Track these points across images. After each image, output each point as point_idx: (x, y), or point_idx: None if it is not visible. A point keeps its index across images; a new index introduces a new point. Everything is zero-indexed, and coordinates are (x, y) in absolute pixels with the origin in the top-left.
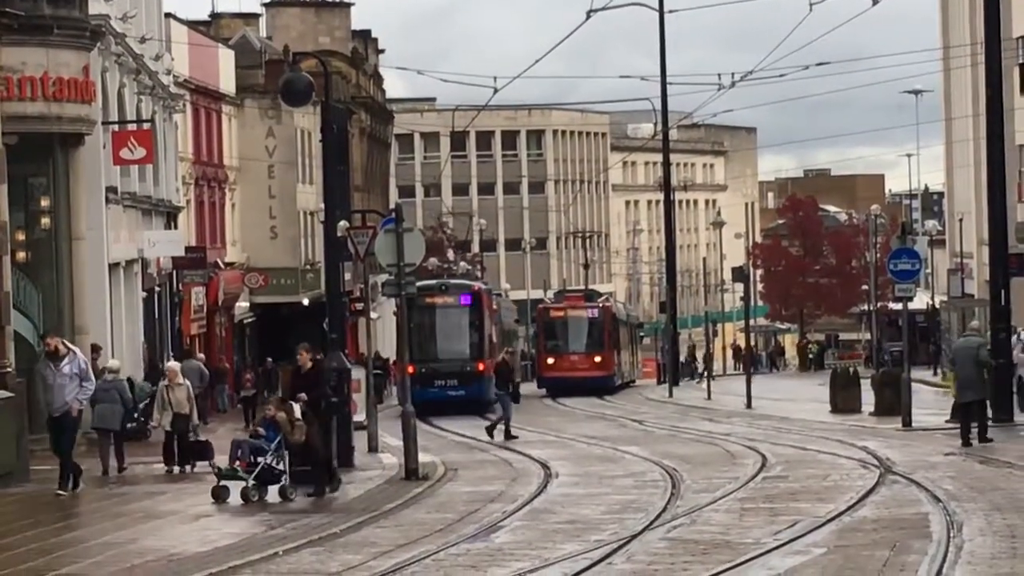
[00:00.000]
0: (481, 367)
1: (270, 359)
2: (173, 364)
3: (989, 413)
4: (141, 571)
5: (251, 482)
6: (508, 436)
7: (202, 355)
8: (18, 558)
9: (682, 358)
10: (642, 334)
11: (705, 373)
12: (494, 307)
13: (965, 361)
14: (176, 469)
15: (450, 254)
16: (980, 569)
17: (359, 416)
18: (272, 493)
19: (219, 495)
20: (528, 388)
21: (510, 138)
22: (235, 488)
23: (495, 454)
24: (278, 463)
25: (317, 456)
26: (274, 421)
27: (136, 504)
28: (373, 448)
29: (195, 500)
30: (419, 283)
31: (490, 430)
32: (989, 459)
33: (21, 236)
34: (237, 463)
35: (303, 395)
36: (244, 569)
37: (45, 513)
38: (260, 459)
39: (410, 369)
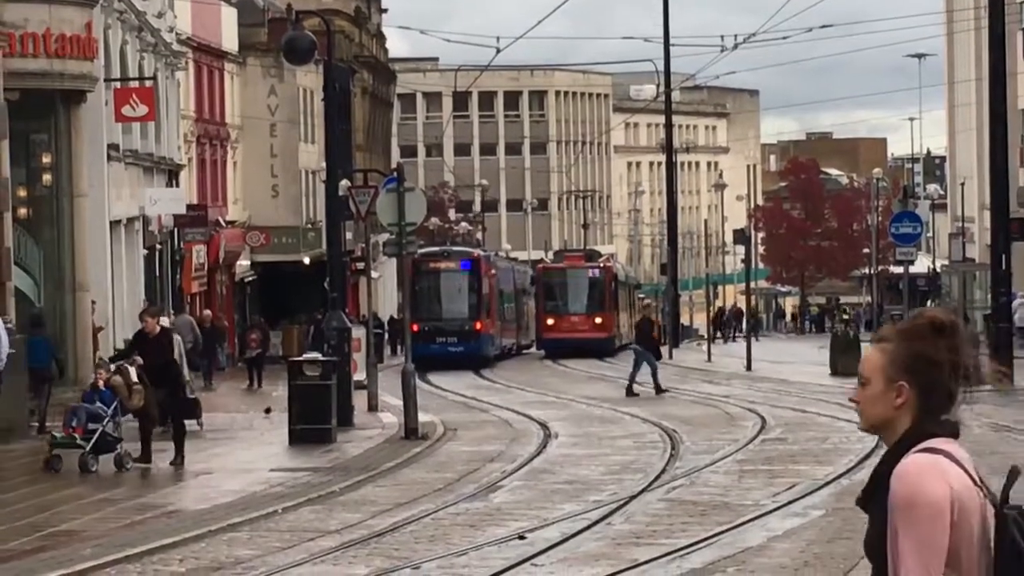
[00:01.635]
0: (479, 326)
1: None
2: (167, 320)
3: None
4: (140, 527)
5: (88, 450)
6: (659, 391)
7: (208, 312)
8: (18, 513)
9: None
10: (641, 295)
11: (718, 334)
12: (492, 272)
13: None
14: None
15: (451, 214)
16: None
17: (359, 375)
18: (106, 463)
19: (52, 464)
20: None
21: (512, 99)
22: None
23: (495, 414)
24: (115, 430)
25: (151, 423)
26: (108, 385)
27: (133, 463)
28: (373, 407)
29: (193, 458)
30: (424, 249)
31: (629, 389)
32: (988, 422)
33: (22, 192)
34: (72, 430)
35: (138, 358)
36: (243, 526)
37: (43, 477)
38: (96, 425)
39: (414, 327)
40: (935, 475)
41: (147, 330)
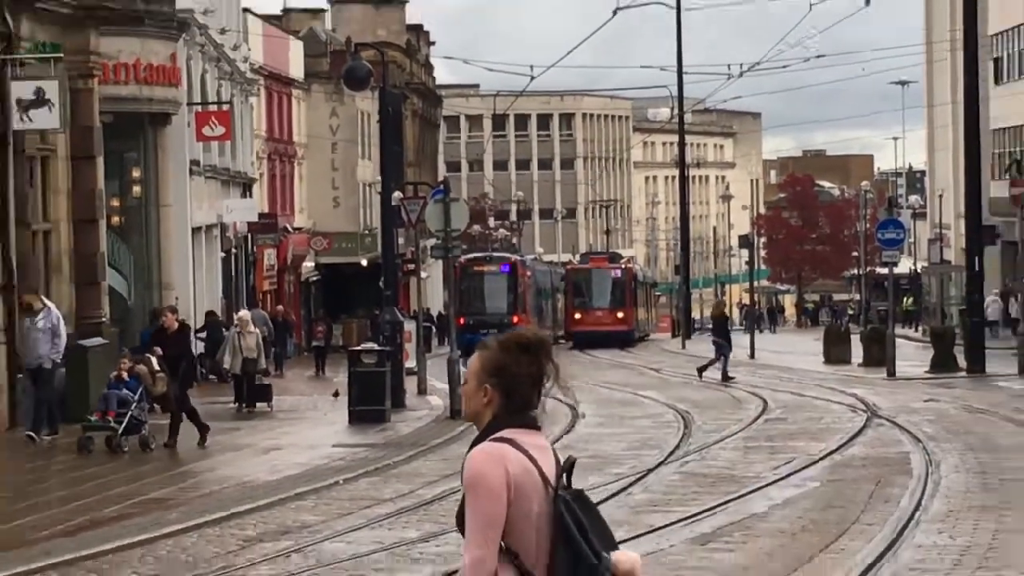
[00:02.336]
0: (516, 319)
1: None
2: (244, 313)
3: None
4: (218, 496)
5: (120, 432)
6: (725, 378)
7: (280, 307)
8: (111, 484)
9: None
10: (658, 293)
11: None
12: (528, 274)
13: None
14: (244, 408)
15: (491, 222)
16: (954, 501)
17: (410, 363)
18: (133, 442)
19: (84, 444)
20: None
21: (544, 120)
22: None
23: None
24: (140, 414)
25: (172, 406)
26: (133, 374)
27: (214, 439)
28: (422, 391)
29: (265, 435)
30: (469, 255)
31: (700, 370)
32: (964, 405)
33: (115, 203)
34: (105, 414)
35: (158, 349)
36: (308, 495)
37: (137, 449)
38: (126, 410)
39: (460, 321)
40: (494, 461)
41: (166, 326)
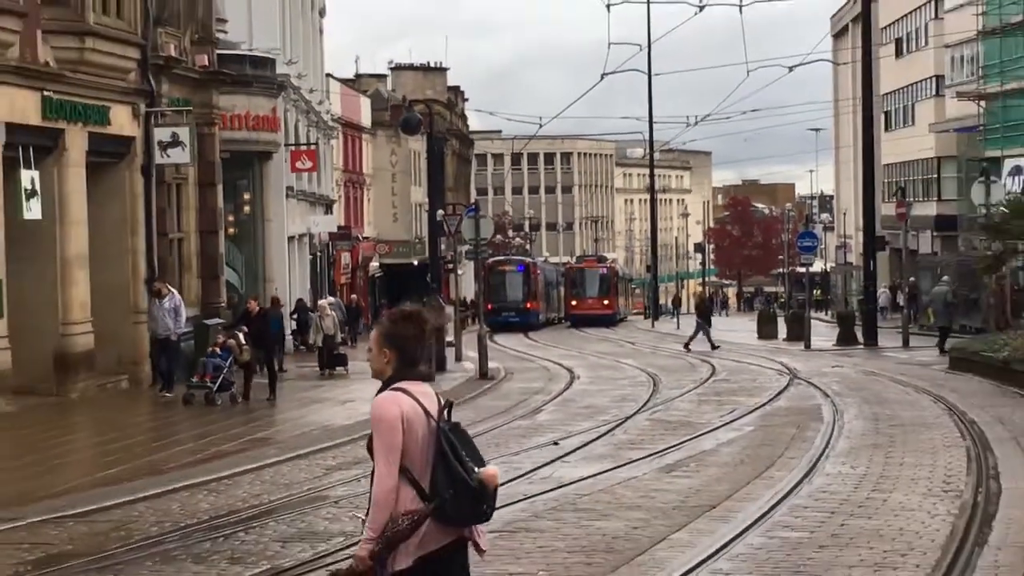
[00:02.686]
0: (528, 305)
1: (385, 301)
2: (323, 301)
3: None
4: (307, 436)
5: (215, 389)
6: (713, 347)
7: (355, 296)
8: (226, 424)
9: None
10: (633, 286)
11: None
12: (538, 271)
13: (938, 301)
14: (325, 372)
15: (509, 233)
16: (854, 441)
17: (450, 337)
18: (224, 398)
19: (188, 400)
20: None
21: (550, 157)
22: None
23: (538, 363)
24: (230, 376)
25: (252, 372)
26: (226, 346)
27: (303, 394)
28: (458, 358)
29: (342, 391)
30: (496, 258)
31: (686, 345)
32: (861, 369)
33: (231, 218)
34: (203, 376)
35: (244, 327)
36: None
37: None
38: (219, 374)
39: (488, 306)
40: (391, 404)
41: (250, 309)
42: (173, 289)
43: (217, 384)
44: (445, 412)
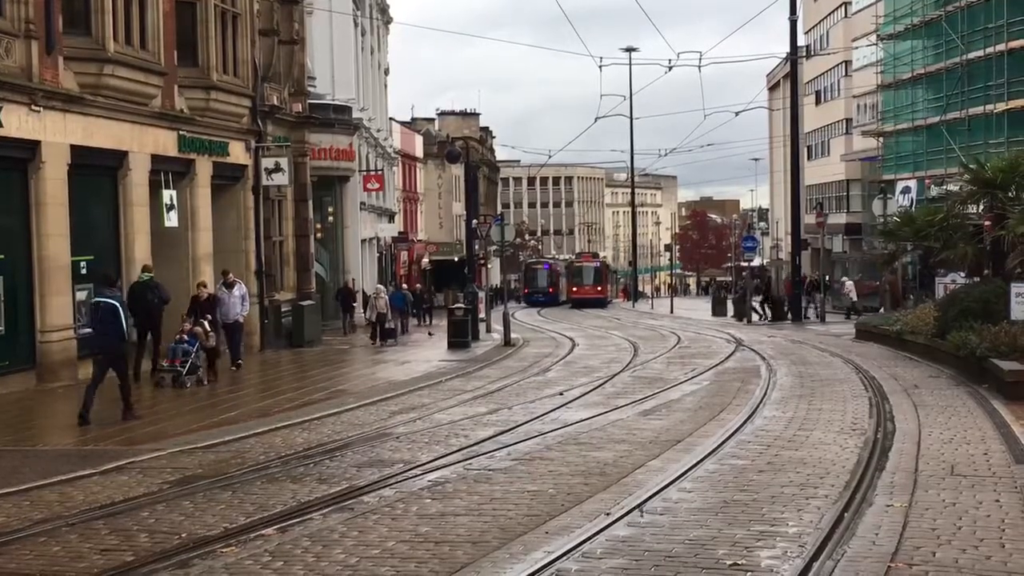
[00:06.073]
0: (551, 290)
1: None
2: (378, 286)
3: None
4: (374, 388)
5: (184, 373)
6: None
7: (419, 285)
8: (315, 379)
9: (643, 289)
10: (619, 277)
11: (651, 296)
12: (556, 268)
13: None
14: (378, 343)
15: (526, 237)
16: (784, 392)
17: (482, 315)
18: (192, 380)
19: (159, 382)
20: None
21: (556, 180)
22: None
23: (548, 334)
24: (197, 359)
25: (217, 356)
26: (193, 333)
27: (368, 357)
28: (488, 330)
29: (400, 355)
30: (530, 260)
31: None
32: (790, 339)
33: (318, 226)
34: (172, 361)
35: (209, 316)
36: (424, 388)
37: (329, 362)
38: (187, 359)
39: (525, 290)
40: None
41: (199, 295)
42: (240, 280)
43: (187, 367)
44: None
